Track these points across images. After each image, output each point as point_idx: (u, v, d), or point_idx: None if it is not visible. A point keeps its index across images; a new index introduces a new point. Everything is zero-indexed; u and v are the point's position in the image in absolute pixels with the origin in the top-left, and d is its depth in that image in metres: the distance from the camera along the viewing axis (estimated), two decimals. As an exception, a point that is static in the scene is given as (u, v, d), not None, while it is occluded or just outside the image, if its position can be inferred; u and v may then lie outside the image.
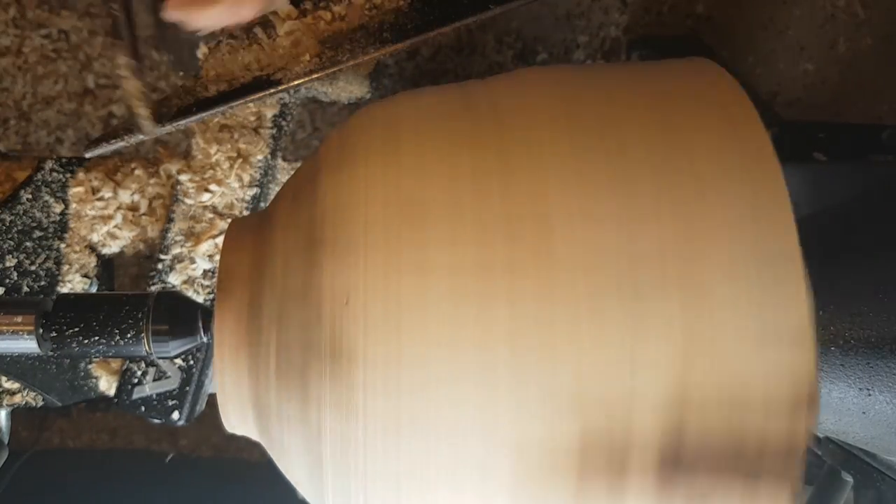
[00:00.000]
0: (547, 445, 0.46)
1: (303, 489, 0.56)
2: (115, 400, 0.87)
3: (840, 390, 0.59)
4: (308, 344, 0.49)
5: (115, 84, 1.40)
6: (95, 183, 0.90)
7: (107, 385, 0.90)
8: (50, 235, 0.89)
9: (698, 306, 0.45)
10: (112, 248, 0.91)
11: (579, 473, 0.46)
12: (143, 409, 0.86)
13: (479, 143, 0.50)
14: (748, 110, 0.50)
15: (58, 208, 0.90)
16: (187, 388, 0.85)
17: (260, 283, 0.54)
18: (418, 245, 0.47)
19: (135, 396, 0.86)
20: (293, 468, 0.55)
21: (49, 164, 0.91)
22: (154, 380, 0.86)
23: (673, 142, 0.49)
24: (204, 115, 0.81)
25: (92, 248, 0.90)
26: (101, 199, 0.90)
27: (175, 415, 0.85)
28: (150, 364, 0.86)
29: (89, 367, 0.89)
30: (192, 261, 0.88)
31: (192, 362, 0.86)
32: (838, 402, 0.59)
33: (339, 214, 0.50)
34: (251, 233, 0.57)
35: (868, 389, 0.58)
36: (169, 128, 0.80)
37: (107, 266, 0.93)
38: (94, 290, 0.90)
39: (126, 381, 0.86)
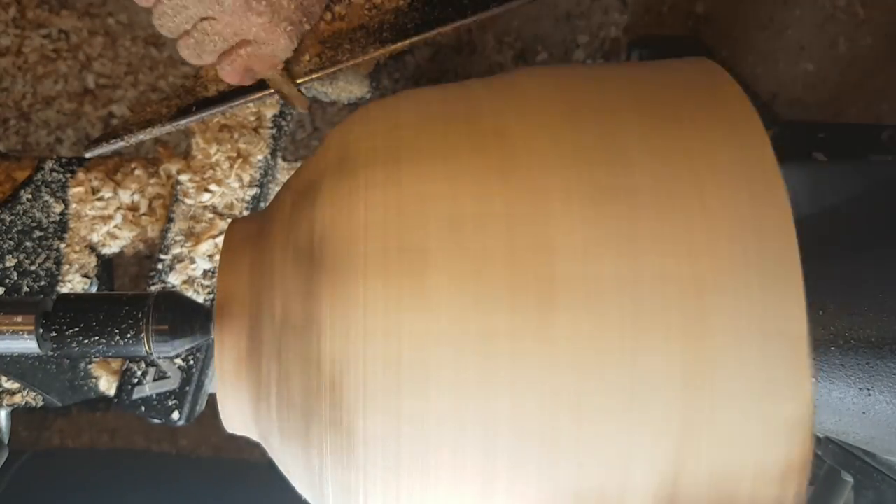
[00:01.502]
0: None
1: (303, 492, 0.56)
2: (115, 400, 0.87)
3: (840, 390, 0.59)
4: (307, 373, 0.49)
5: (115, 84, 1.41)
6: (95, 183, 0.90)
7: (107, 385, 0.89)
8: (50, 235, 0.89)
9: (699, 379, 0.45)
10: (112, 248, 0.91)
11: None
12: (143, 409, 0.86)
13: (482, 164, 0.49)
14: (748, 111, 0.50)
15: (58, 208, 0.90)
16: (187, 389, 0.85)
17: (259, 291, 0.53)
18: (418, 293, 0.46)
19: (135, 396, 0.86)
20: (293, 478, 0.55)
21: (49, 164, 0.91)
22: (154, 380, 0.86)
23: (673, 140, 0.48)
24: (204, 114, 0.81)
25: (92, 248, 0.90)
26: (101, 199, 0.90)
27: (175, 415, 0.85)
28: (150, 364, 0.86)
29: (89, 367, 0.89)
30: (192, 261, 0.88)
31: (192, 362, 0.86)
32: (838, 402, 0.59)
33: (338, 239, 0.49)
34: (251, 236, 0.57)
35: (868, 389, 0.58)
36: (169, 128, 0.80)
37: (107, 266, 0.93)
38: (94, 290, 0.90)
39: (126, 381, 0.86)
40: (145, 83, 1.41)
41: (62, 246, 0.89)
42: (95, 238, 0.90)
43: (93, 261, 0.90)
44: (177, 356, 0.85)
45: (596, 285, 0.45)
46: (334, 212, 0.50)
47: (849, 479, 0.73)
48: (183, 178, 0.89)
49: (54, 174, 0.91)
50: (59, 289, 0.88)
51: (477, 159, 0.49)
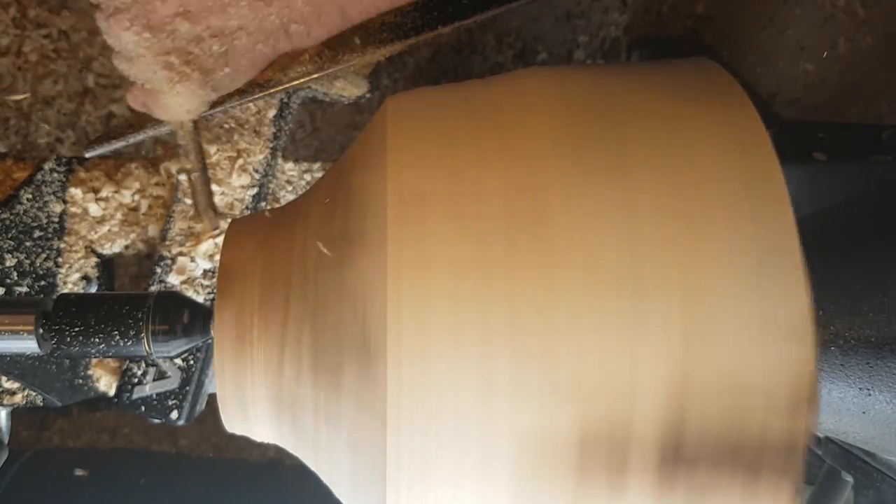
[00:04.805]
0: (546, 437, 0.46)
1: (340, 485, 0.55)
2: (116, 400, 0.87)
3: (840, 390, 0.59)
4: (341, 339, 0.50)
5: (115, 84, 1.41)
6: (95, 183, 0.90)
7: (106, 385, 0.89)
8: (50, 235, 0.89)
9: (699, 300, 0.45)
10: (112, 248, 0.91)
11: (579, 466, 0.46)
12: (143, 408, 0.86)
13: (479, 139, 0.50)
14: (747, 108, 0.50)
15: (58, 208, 0.90)
16: (187, 388, 0.86)
17: (278, 278, 0.53)
18: (419, 242, 0.47)
19: (135, 396, 0.86)
20: (329, 461, 0.55)
21: (49, 164, 0.91)
22: (154, 380, 0.86)
23: (673, 139, 0.49)
24: (204, 115, 0.81)
25: (92, 247, 0.90)
26: (101, 198, 0.90)
27: (175, 414, 0.85)
28: (151, 364, 0.86)
29: (89, 366, 0.89)
30: (192, 260, 0.88)
31: (191, 362, 0.86)
32: (838, 402, 0.59)
33: (367, 212, 0.50)
34: (262, 230, 0.57)
35: (868, 389, 0.58)
36: (168, 127, 0.80)
37: (107, 266, 0.93)
38: (94, 289, 0.90)
39: (126, 381, 0.86)
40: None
41: (62, 246, 0.89)
42: (95, 238, 0.90)
43: (93, 260, 0.90)
44: (177, 356, 0.85)
45: (594, 227, 0.46)
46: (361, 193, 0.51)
47: (849, 478, 0.73)
48: (182, 178, 0.89)
49: (54, 174, 0.91)
50: (59, 289, 0.88)
51: (475, 148, 0.49)
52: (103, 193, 0.90)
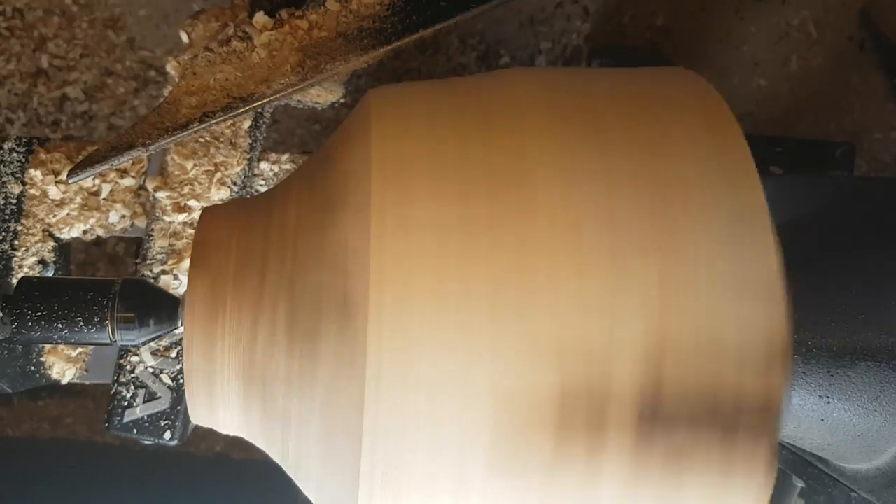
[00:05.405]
0: (525, 397, 0.46)
1: (308, 467, 0.55)
2: (106, 424, 0.85)
3: (800, 397, 0.60)
4: (320, 301, 0.49)
5: (69, 66, 1.38)
6: (56, 165, 0.88)
7: (59, 372, 0.88)
8: (7, 217, 0.87)
9: (674, 261, 0.46)
10: (70, 233, 0.89)
11: (557, 427, 0.46)
12: (134, 431, 0.84)
13: (461, 114, 0.52)
14: (714, 94, 0.54)
15: (16, 189, 0.87)
16: (178, 408, 0.84)
17: (255, 250, 0.53)
18: (402, 203, 0.48)
19: (126, 419, 0.84)
20: (298, 439, 0.54)
21: (9, 144, 0.89)
22: (144, 401, 0.84)
23: (647, 117, 0.52)
24: (185, 134, 0.79)
25: (50, 231, 0.88)
26: (61, 181, 0.88)
27: (167, 435, 0.84)
28: (140, 386, 0.85)
29: (42, 353, 0.87)
30: (176, 278, 0.86)
31: (181, 381, 0.84)
32: (798, 409, 0.61)
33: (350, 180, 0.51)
34: (238, 212, 0.56)
35: (827, 397, 0.59)
36: (152, 149, 0.78)
37: (64, 251, 0.91)
38: (50, 274, 0.88)
39: (116, 405, 0.85)
40: (101, 66, 1.38)
41: (19, 228, 0.87)
42: (54, 221, 0.88)
43: (50, 244, 0.88)
44: (143, 344, 0.83)
45: (573, 188, 0.48)
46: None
47: (799, 483, 0.75)
48: (160, 195, 0.87)
49: (14, 154, 0.89)
50: (14, 272, 0.86)
51: (458, 120, 0.52)
52: (63, 176, 0.88)
